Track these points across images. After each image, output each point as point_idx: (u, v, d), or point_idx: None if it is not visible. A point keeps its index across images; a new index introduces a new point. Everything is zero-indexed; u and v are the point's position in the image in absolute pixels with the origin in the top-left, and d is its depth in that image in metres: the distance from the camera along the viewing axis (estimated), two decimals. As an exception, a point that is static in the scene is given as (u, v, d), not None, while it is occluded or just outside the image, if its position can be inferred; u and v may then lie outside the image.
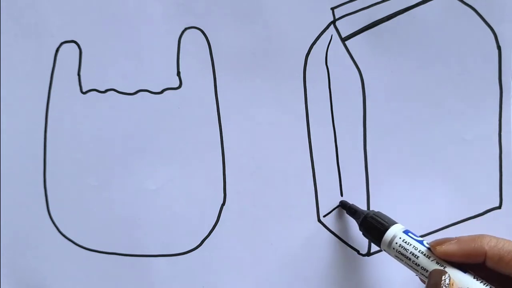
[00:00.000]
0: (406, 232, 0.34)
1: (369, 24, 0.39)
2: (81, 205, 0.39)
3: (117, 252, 0.39)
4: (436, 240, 0.33)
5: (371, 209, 0.39)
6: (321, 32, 0.39)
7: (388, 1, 0.39)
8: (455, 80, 0.39)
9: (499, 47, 0.39)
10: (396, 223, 0.35)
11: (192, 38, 0.39)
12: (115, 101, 0.39)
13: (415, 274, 0.33)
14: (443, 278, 0.30)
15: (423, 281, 0.33)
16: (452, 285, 0.30)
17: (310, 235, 0.39)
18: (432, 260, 0.32)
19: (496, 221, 0.39)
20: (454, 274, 0.31)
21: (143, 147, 0.39)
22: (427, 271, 0.32)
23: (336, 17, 0.39)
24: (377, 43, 0.39)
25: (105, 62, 0.39)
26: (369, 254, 0.40)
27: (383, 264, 0.40)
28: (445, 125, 0.40)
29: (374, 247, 0.40)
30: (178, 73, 0.39)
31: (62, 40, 0.39)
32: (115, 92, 0.39)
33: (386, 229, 0.34)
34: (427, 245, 0.33)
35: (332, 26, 0.39)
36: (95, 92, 0.39)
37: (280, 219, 0.40)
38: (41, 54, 0.39)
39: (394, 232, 0.34)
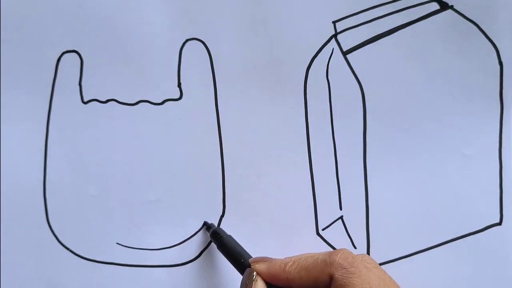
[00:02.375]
0: None
1: (370, 38, 0.39)
2: (81, 214, 0.39)
3: (116, 262, 0.39)
4: (258, 257, 0.35)
5: (370, 221, 0.39)
6: (323, 46, 0.39)
7: (389, 16, 0.39)
8: (456, 95, 0.39)
9: (501, 63, 0.39)
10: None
11: (193, 50, 0.39)
12: (115, 111, 0.39)
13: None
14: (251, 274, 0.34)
15: None
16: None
17: (308, 248, 0.39)
18: None
19: (496, 237, 0.39)
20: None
21: (143, 158, 0.39)
22: None
23: (338, 30, 0.39)
24: (378, 57, 0.39)
25: (106, 72, 0.39)
26: (367, 268, 0.40)
27: (382, 278, 0.40)
28: (445, 139, 0.39)
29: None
30: (179, 84, 0.39)
31: (64, 50, 0.39)
32: (116, 103, 0.39)
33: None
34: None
35: (333, 39, 0.39)
36: (96, 102, 0.39)
37: (279, 232, 0.39)
38: (43, 64, 0.39)
39: None
